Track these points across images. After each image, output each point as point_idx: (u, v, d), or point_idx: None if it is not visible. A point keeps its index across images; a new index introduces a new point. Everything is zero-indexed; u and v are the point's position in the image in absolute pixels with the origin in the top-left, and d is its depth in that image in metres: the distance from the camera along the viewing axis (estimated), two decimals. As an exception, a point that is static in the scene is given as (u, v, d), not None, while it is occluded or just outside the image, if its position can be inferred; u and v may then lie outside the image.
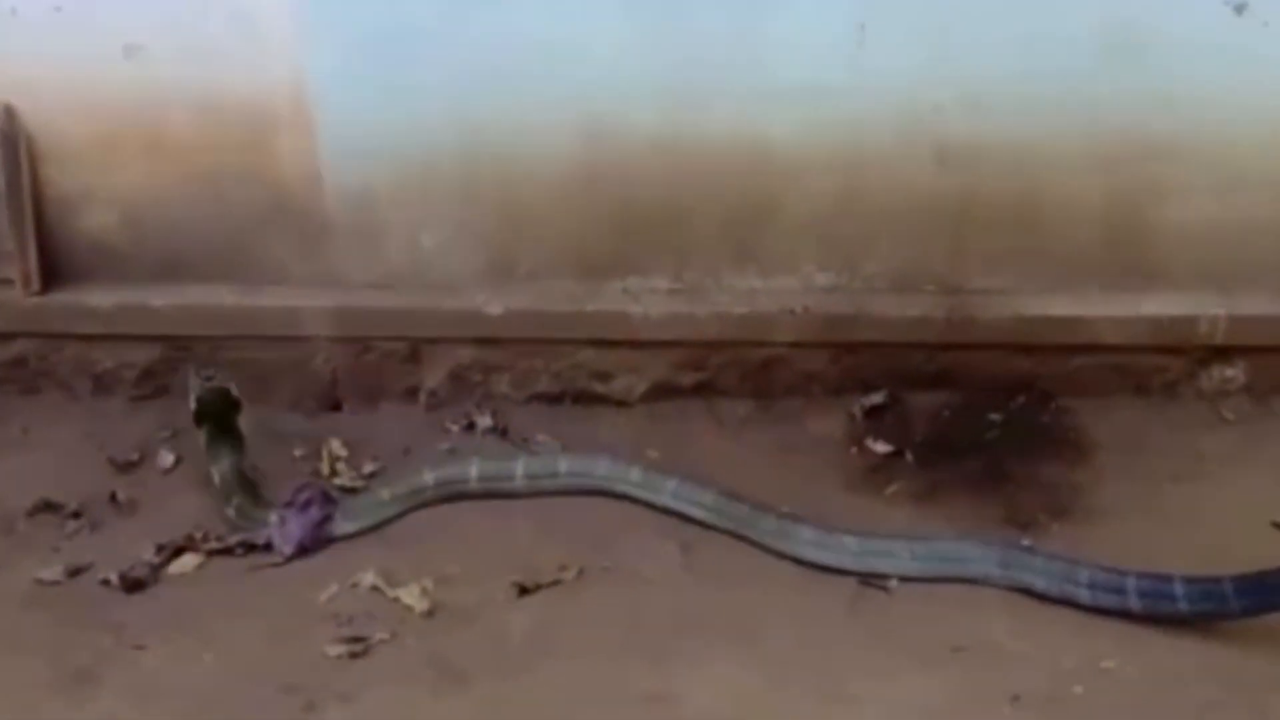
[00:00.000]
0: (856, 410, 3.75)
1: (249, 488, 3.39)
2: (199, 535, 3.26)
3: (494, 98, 3.64)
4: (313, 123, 3.67)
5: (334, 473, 3.58)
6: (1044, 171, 3.70)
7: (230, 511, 3.33)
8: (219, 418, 3.48)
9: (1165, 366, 3.79)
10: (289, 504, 3.30)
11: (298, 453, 3.65)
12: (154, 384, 3.87)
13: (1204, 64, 3.57)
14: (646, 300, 3.80)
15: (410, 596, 3.03)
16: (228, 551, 3.23)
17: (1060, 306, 3.78)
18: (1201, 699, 2.66)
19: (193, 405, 3.47)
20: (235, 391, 3.51)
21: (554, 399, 3.86)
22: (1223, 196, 3.67)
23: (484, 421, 3.80)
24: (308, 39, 3.60)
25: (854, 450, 3.65)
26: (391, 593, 3.04)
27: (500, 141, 3.68)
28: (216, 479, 3.40)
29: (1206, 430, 3.68)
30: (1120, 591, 2.88)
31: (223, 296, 3.83)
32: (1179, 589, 2.81)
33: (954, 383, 3.80)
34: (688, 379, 3.84)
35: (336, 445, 3.66)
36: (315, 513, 3.30)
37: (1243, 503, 3.21)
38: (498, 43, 3.59)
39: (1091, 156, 3.68)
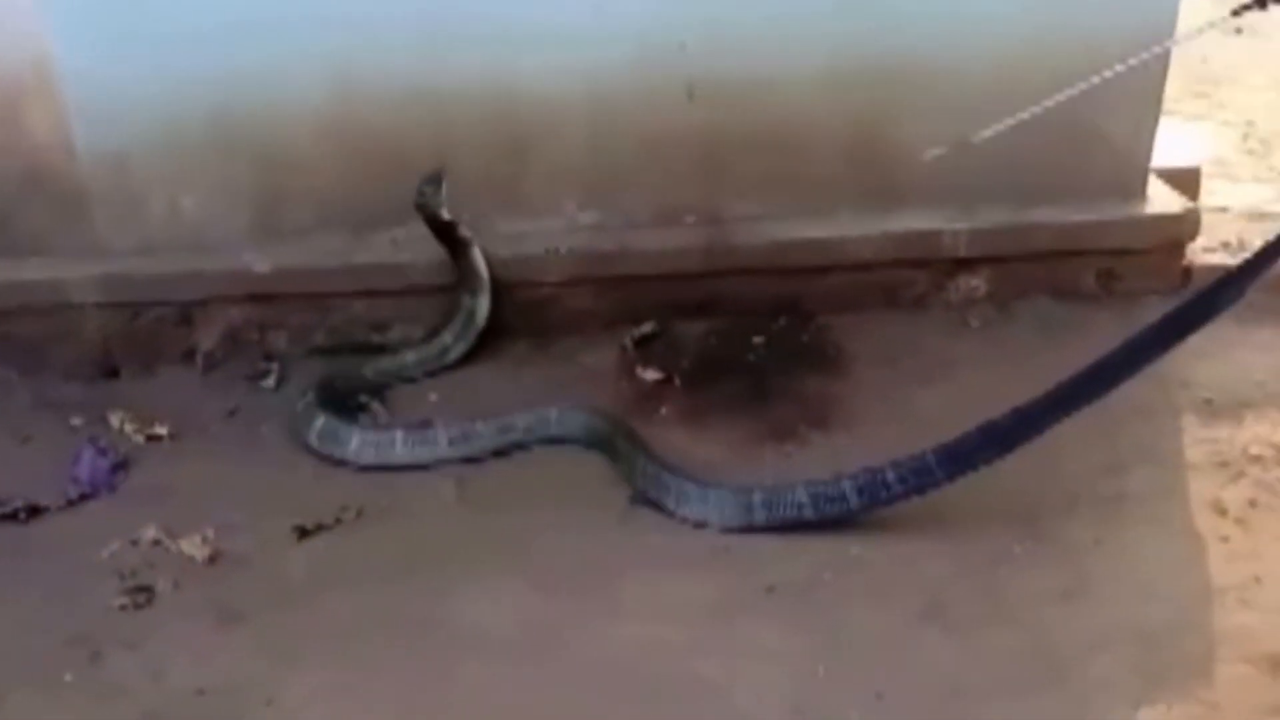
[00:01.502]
0: (627, 342, 3.88)
1: None
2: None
3: (244, 52, 3.66)
4: (59, 90, 3.65)
5: (122, 432, 3.58)
6: (789, 101, 3.87)
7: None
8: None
9: (913, 280, 4.00)
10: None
11: (75, 421, 3.64)
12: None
13: (934, -6, 3.77)
14: (414, 249, 3.87)
15: (191, 546, 3.08)
16: (12, 516, 3.23)
17: (813, 229, 3.96)
18: (939, 574, 2.88)
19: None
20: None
21: (333, 352, 3.90)
22: (958, 116, 3.83)
23: (269, 383, 3.83)
24: (46, 5, 3.57)
25: (625, 381, 3.77)
26: (173, 544, 3.09)
27: (254, 97, 3.71)
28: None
29: (954, 337, 3.90)
30: (841, 499, 3.02)
31: (-15, 271, 3.79)
32: (891, 475, 2.98)
33: (719, 309, 3.96)
34: (456, 322, 3.92)
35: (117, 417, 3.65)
36: (106, 460, 3.38)
37: (987, 400, 3.39)
38: (241, -1, 3.62)
39: (832, 84, 3.86)
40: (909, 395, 3.60)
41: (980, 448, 2.94)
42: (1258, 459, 3.25)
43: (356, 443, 3.41)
